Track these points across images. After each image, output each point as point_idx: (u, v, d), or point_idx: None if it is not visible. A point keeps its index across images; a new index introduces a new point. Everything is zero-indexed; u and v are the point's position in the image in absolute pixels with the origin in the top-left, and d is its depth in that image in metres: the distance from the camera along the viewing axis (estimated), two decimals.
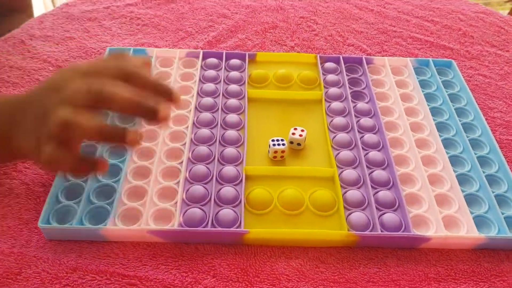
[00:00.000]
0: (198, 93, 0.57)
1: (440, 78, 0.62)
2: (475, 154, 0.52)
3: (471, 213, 0.46)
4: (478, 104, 0.59)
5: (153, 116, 0.37)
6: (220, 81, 0.59)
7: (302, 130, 0.52)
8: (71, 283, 0.39)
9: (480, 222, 0.45)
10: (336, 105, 0.57)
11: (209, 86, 0.58)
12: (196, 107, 0.55)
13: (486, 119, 0.57)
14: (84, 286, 0.39)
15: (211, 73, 0.60)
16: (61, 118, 0.36)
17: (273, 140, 0.50)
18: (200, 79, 0.59)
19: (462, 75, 0.63)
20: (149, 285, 0.40)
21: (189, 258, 0.42)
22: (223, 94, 0.58)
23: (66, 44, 0.66)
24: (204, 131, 0.52)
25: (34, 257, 0.41)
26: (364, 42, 0.71)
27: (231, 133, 0.52)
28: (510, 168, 0.50)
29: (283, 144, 0.50)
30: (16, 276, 0.40)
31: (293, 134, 0.51)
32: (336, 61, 0.64)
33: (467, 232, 0.44)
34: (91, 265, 0.41)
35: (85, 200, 0.44)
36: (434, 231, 0.44)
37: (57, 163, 0.37)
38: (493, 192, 0.48)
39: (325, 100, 0.58)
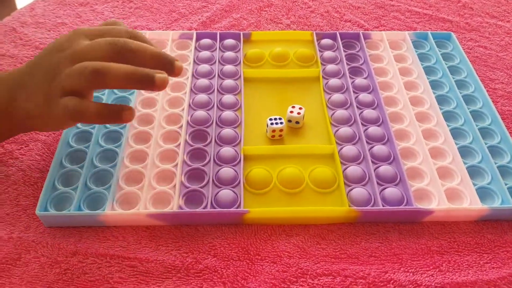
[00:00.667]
0: (193, 75, 0.57)
1: (439, 51, 0.61)
2: (477, 126, 0.51)
3: (474, 185, 0.45)
4: (479, 76, 0.58)
5: (171, 67, 0.39)
6: (215, 62, 0.58)
7: (300, 108, 0.51)
8: (71, 267, 0.39)
9: (483, 193, 0.45)
10: (334, 81, 0.56)
11: (204, 67, 0.57)
12: (191, 89, 0.55)
13: (487, 90, 0.56)
14: (84, 270, 0.39)
15: (205, 54, 0.59)
16: (93, 67, 0.37)
17: (270, 119, 0.49)
18: (194, 61, 0.59)
19: (462, 48, 0.62)
20: (149, 267, 0.39)
21: (189, 239, 0.41)
22: (218, 75, 0.57)
23: (58, 30, 0.65)
24: (201, 113, 0.51)
25: (33, 242, 0.41)
26: (361, 18, 0.69)
27: (228, 114, 0.51)
28: None
29: (281, 123, 0.49)
30: (16, 262, 0.39)
31: (291, 112, 0.50)
32: (333, 37, 0.63)
33: (470, 204, 0.43)
34: (91, 249, 0.40)
35: (82, 186, 0.44)
36: (436, 204, 0.43)
37: (83, 113, 0.38)
38: (495, 163, 0.47)
39: (322, 77, 0.57)
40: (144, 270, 0.39)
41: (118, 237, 0.42)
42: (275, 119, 0.49)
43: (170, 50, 0.60)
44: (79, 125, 0.50)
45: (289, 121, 0.51)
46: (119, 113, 0.39)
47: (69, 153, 0.47)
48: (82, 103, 0.38)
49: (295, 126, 0.51)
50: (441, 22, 0.69)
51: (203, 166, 0.46)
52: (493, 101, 0.54)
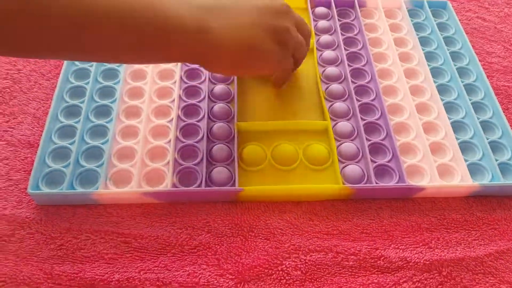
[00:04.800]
0: None
1: (435, 20, 0.60)
2: (470, 100, 0.51)
3: (465, 161, 0.45)
4: (476, 49, 0.57)
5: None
6: None
7: None
8: (65, 243, 0.39)
9: (474, 169, 0.45)
10: (328, 53, 0.55)
11: None
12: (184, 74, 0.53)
13: (483, 64, 0.55)
14: (79, 246, 0.39)
15: None
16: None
17: None
18: None
19: (460, 19, 0.61)
20: (144, 243, 0.40)
21: (183, 215, 0.42)
22: None
23: None
24: (193, 87, 0.50)
25: (27, 218, 0.41)
26: None
27: (220, 88, 0.50)
28: (505, 115, 0.50)
29: None
30: (10, 238, 0.40)
31: None
32: (327, 5, 0.61)
33: (461, 180, 0.44)
34: (85, 225, 0.41)
35: (74, 163, 0.43)
36: (428, 180, 0.44)
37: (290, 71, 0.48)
38: (487, 139, 0.47)
39: (316, 48, 0.56)
40: (138, 246, 0.40)
41: (112, 213, 0.42)
42: None
43: None
44: (67, 99, 0.48)
45: None
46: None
47: (58, 128, 0.46)
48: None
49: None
50: None
51: (196, 142, 0.46)
52: (488, 76, 0.54)
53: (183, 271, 0.38)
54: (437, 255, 0.40)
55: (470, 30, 0.61)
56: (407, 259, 0.40)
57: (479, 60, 0.55)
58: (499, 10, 0.65)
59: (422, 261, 0.39)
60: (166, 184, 0.42)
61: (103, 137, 0.46)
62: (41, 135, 0.45)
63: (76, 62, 0.52)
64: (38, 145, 0.44)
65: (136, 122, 0.47)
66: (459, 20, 0.61)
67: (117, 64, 0.52)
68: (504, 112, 0.50)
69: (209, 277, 0.38)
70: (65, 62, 0.51)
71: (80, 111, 0.47)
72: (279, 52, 0.42)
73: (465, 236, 0.42)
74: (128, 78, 0.51)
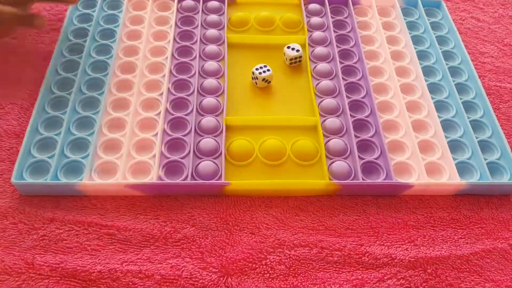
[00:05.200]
0: (174, 39, 0.55)
1: (429, 20, 0.60)
2: (461, 99, 0.51)
3: (454, 159, 0.45)
4: (469, 49, 0.57)
5: None
6: (197, 26, 0.56)
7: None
8: (48, 233, 0.39)
9: (462, 168, 0.45)
10: (320, 50, 0.55)
11: (186, 31, 0.55)
12: (172, 54, 0.53)
13: (476, 64, 0.55)
14: (61, 236, 0.39)
15: (188, 16, 0.57)
16: None
17: (257, 69, 0.50)
18: (176, 23, 0.56)
19: (455, 18, 0.61)
20: (127, 235, 0.39)
21: (168, 208, 0.41)
22: (201, 40, 0.55)
23: None
24: (182, 80, 0.50)
25: (10, 208, 0.40)
26: None
27: (210, 82, 0.50)
28: (496, 114, 0.50)
29: (268, 70, 0.50)
30: None
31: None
32: (321, 2, 0.61)
33: (449, 178, 0.44)
34: (68, 216, 0.40)
35: (59, 154, 0.43)
36: (416, 178, 0.44)
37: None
38: (476, 138, 0.47)
39: (308, 44, 0.56)
40: (122, 238, 0.39)
41: (97, 204, 0.41)
42: (261, 67, 0.50)
43: (150, 11, 0.57)
44: (55, 90, 0.48)
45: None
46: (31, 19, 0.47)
47: (45, 119, 0.46)
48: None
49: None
50: None
51: (183, 136, 0.45)
52: (480, 76, 0.54)
53: (166, 264, 0.38)
54: (422, 252, 0.40)
55: (464, 30, 0.61)
56: (392, 256, 0.39)
57: (472, 60, 0.55)
58: (494, 11, 0.65)
59: (407, 258, 0.39)
60: (152, 177, 0.42)
61: (89, 128, 0.45)
62: (27, 125, 0.45)
63: (65, 53, 0.52)
64: (23, 136, 0.44)
65: (123, 114, 0.47)
66: (453, 20, 0.61)
67: (107, 56, 0.52)
68: (494, 111, 0.50)
69: (192, 270, 0.38)
70: (54, 53, 0.51)
71: (67, 103, 0.47)
72: None
73: (451, 234, 0.41)
74: (117, 71, 0.51)
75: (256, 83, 0.50)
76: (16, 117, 0.47)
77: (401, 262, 0.39)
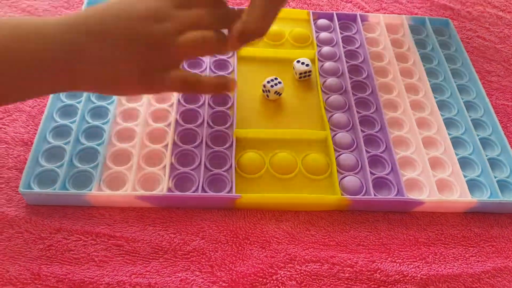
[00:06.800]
0: None
1: (437, 38, 0.60)
2: (469, 116, 0.51)
3: (464, 176, 0.45)
4: (476, 68, 0.57)
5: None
6: None
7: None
8: (55, 243, 0.38)
9: (472, 185, 0.45)
10: (329, 65, 0.55)
11: None
12: (182, 66, 0.53)
13: (482, 83, 0.56)
14: (69, 247, 0.38)
15: None
16: (210, 36, 0.39)
17: (268, 82, 0.50)
18: None
19: (462, 37, 0.61)
20: (136, 246, 0.39)
21: (177, 220, 0.41)
22: None
23: None
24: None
25: (16, 217, 0.40)
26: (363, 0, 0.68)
27: (220, 95, 0.50)
28: (504, 133, 0.50)
29: (280, 82, 0.50)
30: None
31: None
32: (330, 18, 0.61)
33: (460, 195, 0.44)
34: (76, 226, 0.40)
35: (68, 163, 0.42)
36: (427, 194, 0.43)
37: (195, 85, 0.39)
38: (486, 156, 0.47)
39: (318, 59, 0.56)
40: (130, 250, 0.39)
41: (105, 215, 0.41)
42: (272, 80, 0.50)
43: None
44: (63, 98, 0.48)
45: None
46: (226, 84, 0.40)
47: (53, 128, 0.45)
48: (194, 74, 0.43)
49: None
50: (443, 9, 0.68)
51: (194, 147, 0.45)
52: (488, 94, 0.54)
53: (175, 277, 0.37)
54: (434, 270, 0.39)
55: (471, 48, 0.62)
56: (404, 273, 0.39)
57: (479, 79, 0.55)
58: (499, 31, 0.65)
59: (419, 275, 0.39)
60: (162, 189, 0.41)
61: (98, 138, 0.45)
62: (35, 133, 0.44)
63: None
64: (32, 143, 0.43)
65: (133, 125, 0.46)
66: (460, 38, 0.61)
67: None
68: (503, 130, 0.50)
69: (202, 284, 0.37)
70: None
71: (76, 111, 0.47)
72: (147, 84, 0.38)
73: (462, 252, 0.41)
74: None
75: (267, 95, 0.50)
76: (24, 125, 0.47)
77: (413, 279, 0.38)
